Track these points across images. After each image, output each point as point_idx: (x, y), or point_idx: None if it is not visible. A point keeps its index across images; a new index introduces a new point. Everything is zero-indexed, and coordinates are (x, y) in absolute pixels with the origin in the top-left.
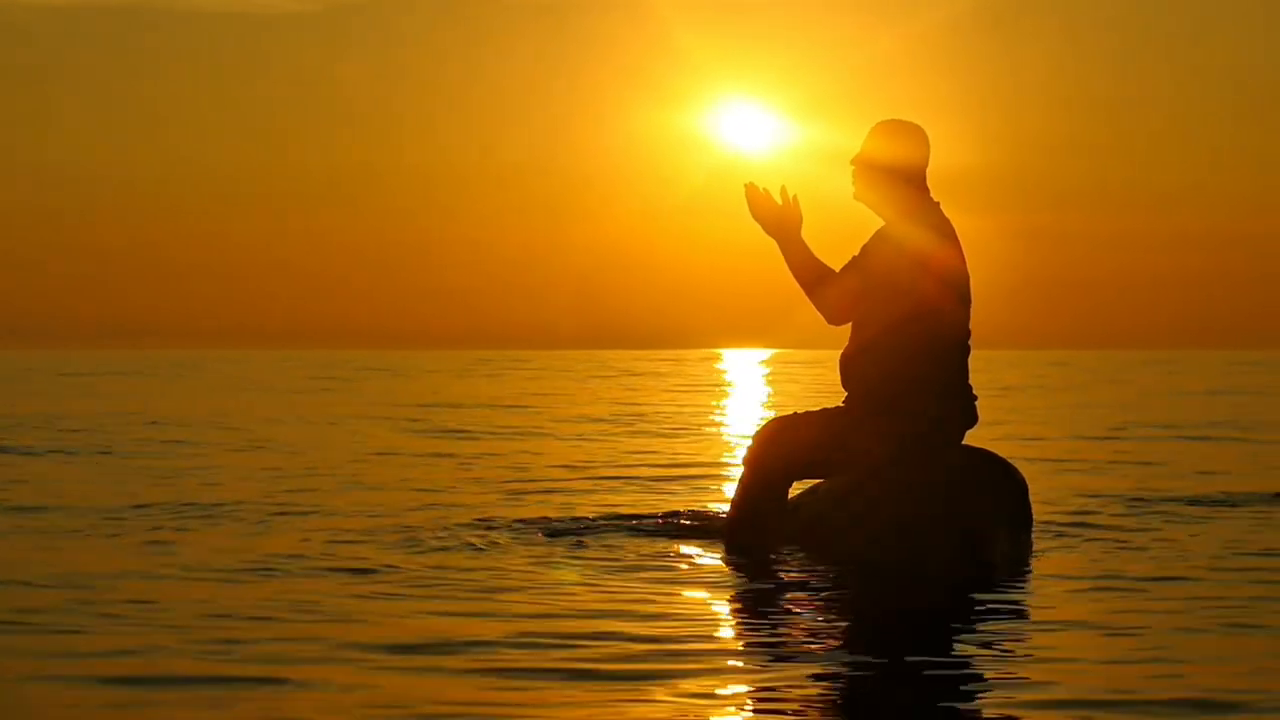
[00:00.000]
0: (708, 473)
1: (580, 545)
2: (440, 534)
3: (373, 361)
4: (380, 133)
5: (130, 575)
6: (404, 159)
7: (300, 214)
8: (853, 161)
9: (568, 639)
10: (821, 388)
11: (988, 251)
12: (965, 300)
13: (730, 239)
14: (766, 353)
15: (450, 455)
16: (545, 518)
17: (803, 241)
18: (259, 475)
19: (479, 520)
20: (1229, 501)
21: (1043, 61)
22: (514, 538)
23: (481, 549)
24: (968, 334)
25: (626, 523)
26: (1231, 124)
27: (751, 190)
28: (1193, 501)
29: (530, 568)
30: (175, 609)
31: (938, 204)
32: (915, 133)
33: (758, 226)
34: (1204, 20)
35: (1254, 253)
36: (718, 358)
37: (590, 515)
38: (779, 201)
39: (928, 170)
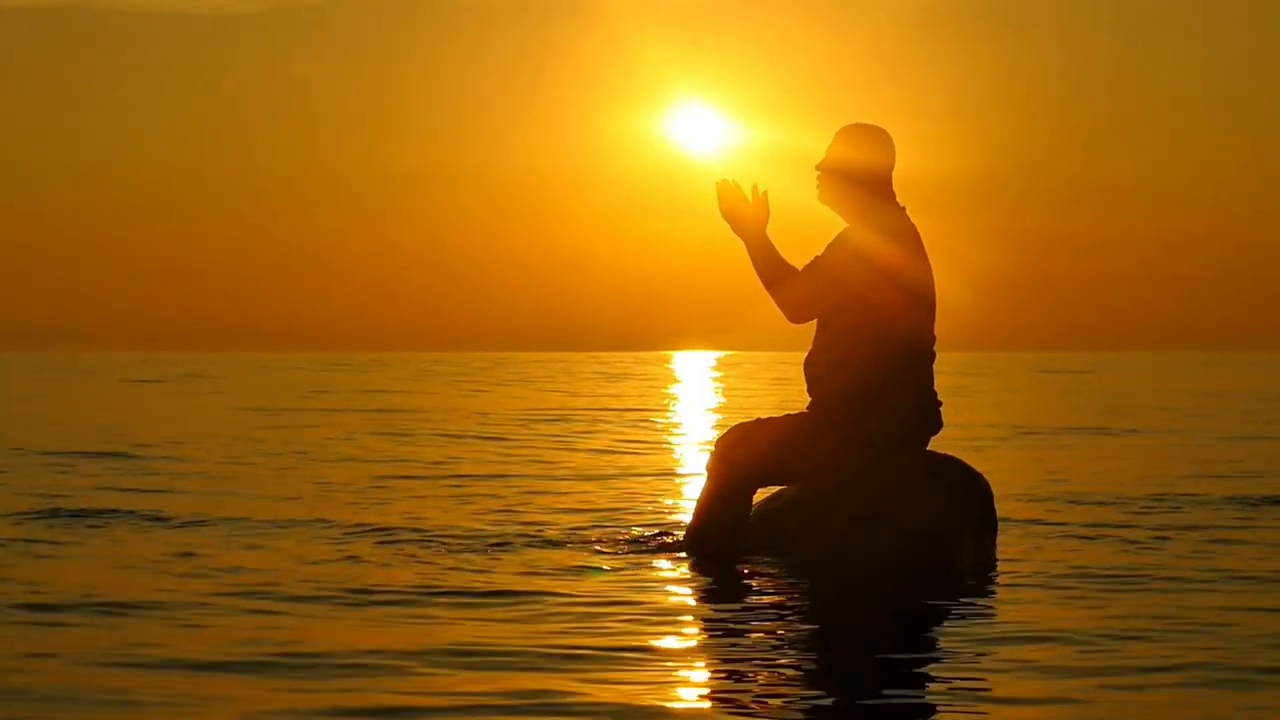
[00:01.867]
0: (668, 480)
1: (544, 557)
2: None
3: (316, 363)
4: (334, 135)
5: None
6: (357, 162)
7: (257, 216)
8: (818, 167)
9: (529, 658)
10: (776, 389)
11: (945, 255)
12: (927, 305)
13: (682, 240)
14: (719, 355)
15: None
16: (478, 530)
17: (768, 240)
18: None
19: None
20: (1192, 501)
21: (991, 62)
22: (461, 549)
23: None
24: (931, 339)
25: (582, 535)
26: (1179, 126)
27: (723, 186)
28: (1150, 504)
29: (488, 582)
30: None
31: (903, 209)
32: (880, 137)
33: (724, 223)
34: (1153, 21)
35: (1200, 254)
36: (669, 359)
37: (545, 527)
38: (749, 198)
39: (893, 174)
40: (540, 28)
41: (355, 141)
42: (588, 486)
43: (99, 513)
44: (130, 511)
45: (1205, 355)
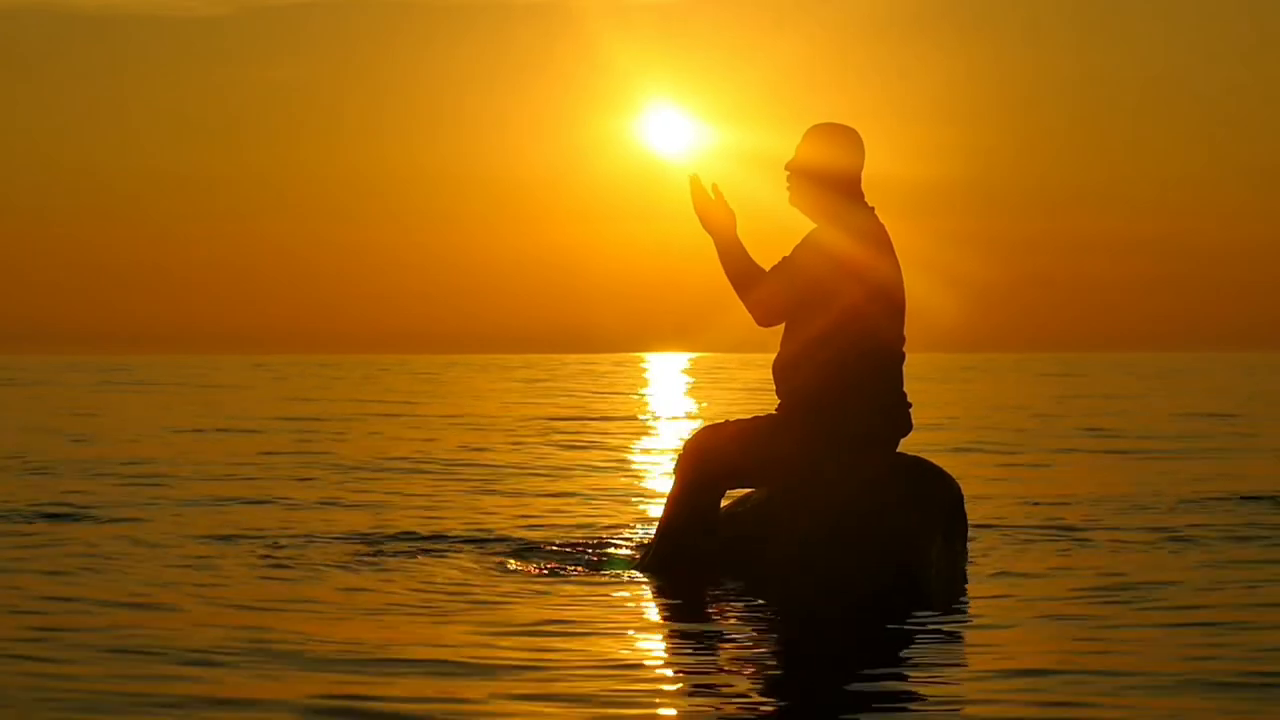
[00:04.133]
0: (634, 483)
1: (501, 569)
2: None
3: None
4: (303, 138)
5: None
6: (327, 163)
7: (228, 219)
8: (787, 167)
9: (483, 682)
10: (748, 391)
11: (915, 257)
12: (897, 307)
13: (654, 242)
14: (691, 356)
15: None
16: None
17: (738, 241)
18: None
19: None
20: (1158, 507)
21: (959, 64)
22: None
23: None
24: (901, 340)
25: (542, 544)
26: (1134, 126)
27: (695, 182)
28: (1119, 509)
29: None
30: None
31: (872, 209)
32: (849, 137)
33: (696, 221)
34: (1119, 22)
35: (1156, 256)
36: (642, 361)
37: (502, 536)
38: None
39: (862, 174)
40: (514, 31)
41: (325, 143)
42: (554, 491)
43: None
44: None
45: (1175, 357)
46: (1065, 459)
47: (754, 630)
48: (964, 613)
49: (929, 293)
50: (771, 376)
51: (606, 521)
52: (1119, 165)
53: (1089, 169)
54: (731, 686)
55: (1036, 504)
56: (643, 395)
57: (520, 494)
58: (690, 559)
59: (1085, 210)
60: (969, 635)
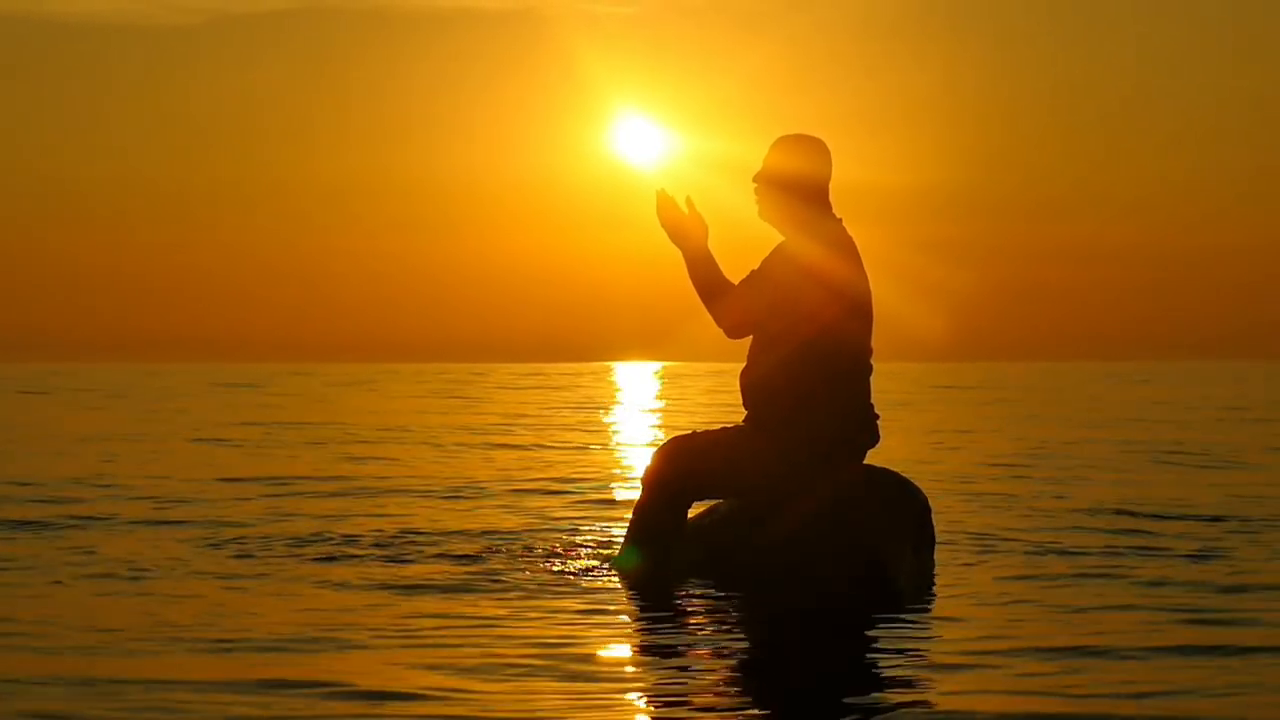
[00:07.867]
0: (597, 493)
1: (465, 572)
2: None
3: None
4: (275, 146)
5: None
6: (300, 171)
7: (201, 226)
8: (755, 179)
9: (444, 684)
10: (717, 401)
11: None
12: (866, 318)
13: (625, 251)
14: (661, 365)
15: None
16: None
17: (708, 253)
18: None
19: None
20: (1132, 515)
21: (928, 72)
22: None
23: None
24: (869, 352)
25: (509, 547)
26: (1111, 133)
27: (662, 197)
28: (1088, 517)
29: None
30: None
31: (840, 220)
32: (816, 147)
33: (664, 234)
34: (1094, 27)
35: (1128, 263)
36: (610, 370)
37: (469, 540)
38: (684, 211)
39: (830, 185)
40: (484, 40)
41: (296, 151)
42: (521, 499)
43: None
44: None
45: (1142, 366)
46: (1032, 468)
47: (722, 640)
48: (932, 622)
49: (911, 305)
50: (739, 388)
51: (573, 532)
52: (1096, 172)
53: (1065, 176)
54: (703, 694)
55: (1006, 514)
56: (610, 406)
57: (481, 504)
58: (656, 571)
59: (1063, 217)
60: (940, 643)
